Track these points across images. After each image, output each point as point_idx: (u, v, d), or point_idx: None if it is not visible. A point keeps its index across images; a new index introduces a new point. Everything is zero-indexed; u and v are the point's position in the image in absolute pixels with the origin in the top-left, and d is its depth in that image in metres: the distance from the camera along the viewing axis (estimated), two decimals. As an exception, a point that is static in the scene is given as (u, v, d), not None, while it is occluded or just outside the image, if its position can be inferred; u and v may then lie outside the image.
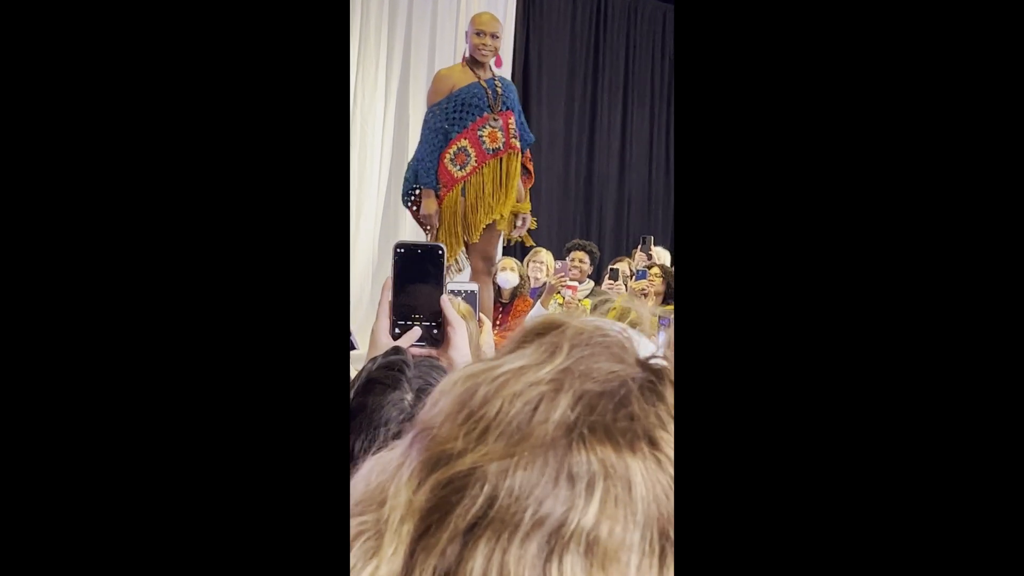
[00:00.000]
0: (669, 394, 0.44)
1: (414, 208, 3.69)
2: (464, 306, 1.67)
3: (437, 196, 3.59)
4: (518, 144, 3.64)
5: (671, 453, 0.41)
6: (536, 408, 0.42)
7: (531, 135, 3.95)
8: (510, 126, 3.61)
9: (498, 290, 4.03)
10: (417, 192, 3.65)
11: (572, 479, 0.39)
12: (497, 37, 3.62)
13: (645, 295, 3.35)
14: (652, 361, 0.46)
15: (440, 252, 1.02)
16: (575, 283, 3.90)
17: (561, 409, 0.41)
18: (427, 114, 3.66)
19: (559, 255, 4.60)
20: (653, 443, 0.41)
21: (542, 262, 4.30)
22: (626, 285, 4.02)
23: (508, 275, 4.02)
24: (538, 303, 3.71)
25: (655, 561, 0.39)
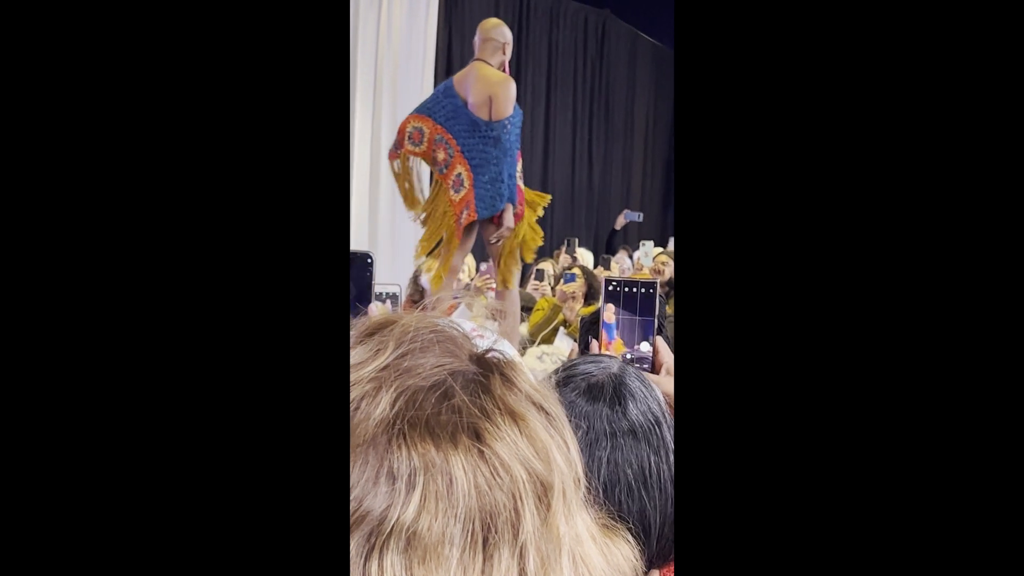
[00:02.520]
0: (497, 387, 0.44)
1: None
2: (382, 308, 1.62)
3: (514, 214, 3.19)
4: None
5: (495, 445, 0.41)
6: (358, 407, 0.42)
7: None
8: None
9: (421, 292, 3.95)
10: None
11: (393, 476, 0.39)
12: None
13: (574, 298, 3.34)
14: (489, 355, 0.47)
15: (369, 260, 1.01)
16: (499, 285, 3.86)
17: (382, 406, 0.42)
18: (514, 122, 3.17)
19: (482, 257, 4.56)
20: (477, 436, 0.41)
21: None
22: (552, 287, 4.00)
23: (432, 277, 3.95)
24: (462, 305, 3.64)
25: (478, 552, 0.39)
